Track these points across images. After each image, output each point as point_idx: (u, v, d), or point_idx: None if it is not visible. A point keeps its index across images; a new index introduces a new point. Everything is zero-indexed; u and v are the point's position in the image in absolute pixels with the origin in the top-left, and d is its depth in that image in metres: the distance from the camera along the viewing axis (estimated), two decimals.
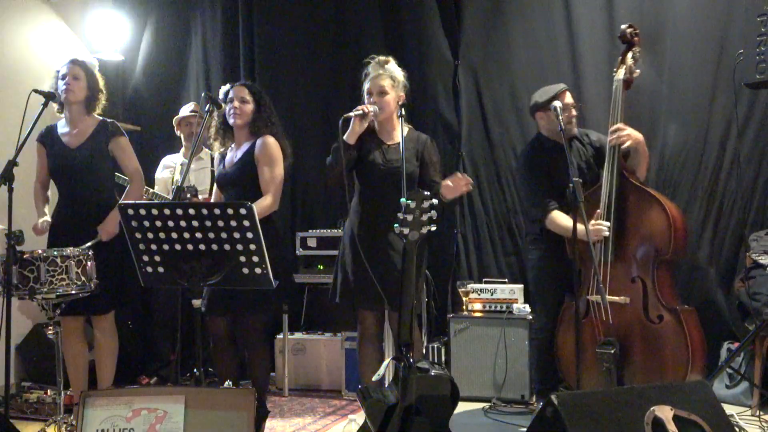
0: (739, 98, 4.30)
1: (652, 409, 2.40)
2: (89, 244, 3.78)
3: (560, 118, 3.67)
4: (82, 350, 4.04)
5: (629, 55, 3.86)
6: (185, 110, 5.02)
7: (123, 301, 4.09)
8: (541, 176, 3.98)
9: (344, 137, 3.57)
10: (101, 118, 4.06)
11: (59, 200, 4.06)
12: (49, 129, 4.05)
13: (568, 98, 4.00)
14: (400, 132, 3.63)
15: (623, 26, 3.92)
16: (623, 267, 3.68)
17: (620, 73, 3.82)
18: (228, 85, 3.88)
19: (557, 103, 3.76)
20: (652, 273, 3.63)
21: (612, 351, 3.59)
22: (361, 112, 3.59)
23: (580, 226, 3.36)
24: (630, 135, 3.75)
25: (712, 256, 4.56)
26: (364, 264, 3.52)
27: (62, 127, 4.04)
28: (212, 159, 4.90)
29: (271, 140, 3.76)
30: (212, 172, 4.61)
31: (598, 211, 3.71)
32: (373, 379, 2.89)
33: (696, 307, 3.73)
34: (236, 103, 3.76)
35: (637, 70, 3.87)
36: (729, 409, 3.50)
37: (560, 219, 3.87)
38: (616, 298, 3.63)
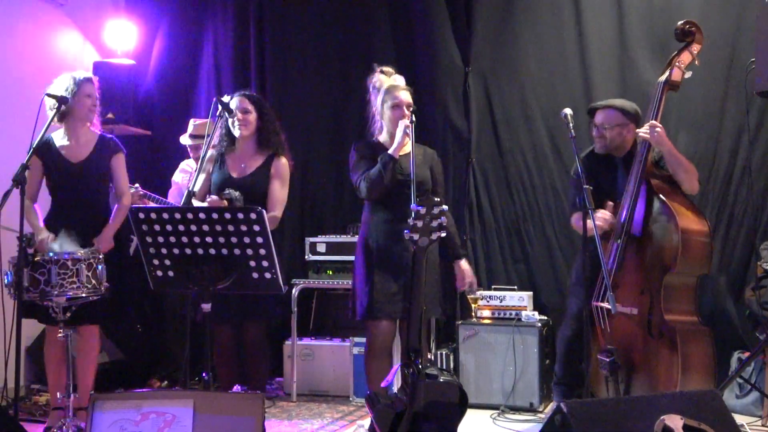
0: (751, 106, 4.29)
1: (661, 418, 2.39)
2: (84, 250, 3.75)
3: (570, 126, 3.65)
4: (65, 359, 3.97)
5: (682, 55, 3.68)
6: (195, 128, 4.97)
7: (112, 315, 4.06)
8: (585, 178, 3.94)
9: (392, 152, 3.63)
10: (99, 132, 4.04)
11: (52, 211, 4.00)
12: (47, 142, 3.92)
13: (601, 117, 3.90)
14: (411, 138, 3.67)
15: (679, 23, 3.74)
16: (635, 277, 3.64)
17: (664, 75, 3.70)
18: (229, 97, 3.92)
19: (567, 111, 3.73)
20: (659, 287, 3.54)
21: (609, 360, 3.57)
22: (410, 126, 3.63)
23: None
24: (658, 134, 3.61)
25: (722, 265, 4.54)
26: (382, 273, 3.61)
27: (60, 140, 3.97)
28: None
29: (285, 161, 3.92)
30: None
31: (610, 203, 3.69)
32: (382, 385, 2.90)
33: (706, 317, 3.69)
34: (240, 115, 3.83)
35: (689, 72, 3.71)
36: (739, 419, 3.48)
37: (576, 222, 3.88)
38: (623, 309, 3.59)
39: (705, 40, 4.46)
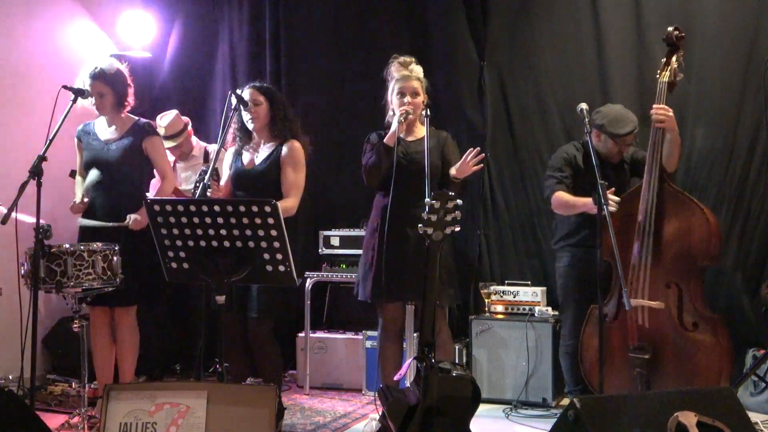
0: None
1: (675, 414, 2.37)
2: (114, 224, 3.85)
3: (586, 120, 3.68)
4: (109, 343, 4.08)
5: (674, 58, 3.77)
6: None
7: (149, 296, 4.12)
8: (568, 167, 4.06)
9: (385, 140, 3.70)
10: (137, 118, 4.16)
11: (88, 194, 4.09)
12: (87, 126, 4.17)
13: (630, 137, 4.04)
14: (425, 131, 3.67)
15: (669, 28, 3.82)
16: (659, 271, 3.64)
17: (665, 76, 3.76)
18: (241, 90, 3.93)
19: (583, 105, 3.73)
20: (688, 279, 3.59)
21: (646, 357, 3.57)
22: (406, 114, 3.69)
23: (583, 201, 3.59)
24: (671, 118, 3.70)
25: (738, 261, 4.50)
26: (386, 257, 3.65)
27: (99, 124, 4.15)
28: (206, 154, 4.99)
29: (297, 145, 3.87)
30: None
31: (612, 189, 3.70)
32: (395, 378, 2.90)
33: (721, 313, 3.69)
34: (251, 108, 3.83)
35: (681, 74, 3.80)
36: (754, 417, 3.45)
37: (564, 196, 3.95)
38: (651, 303, 3.59)
39: (724, 36, 4.49)
